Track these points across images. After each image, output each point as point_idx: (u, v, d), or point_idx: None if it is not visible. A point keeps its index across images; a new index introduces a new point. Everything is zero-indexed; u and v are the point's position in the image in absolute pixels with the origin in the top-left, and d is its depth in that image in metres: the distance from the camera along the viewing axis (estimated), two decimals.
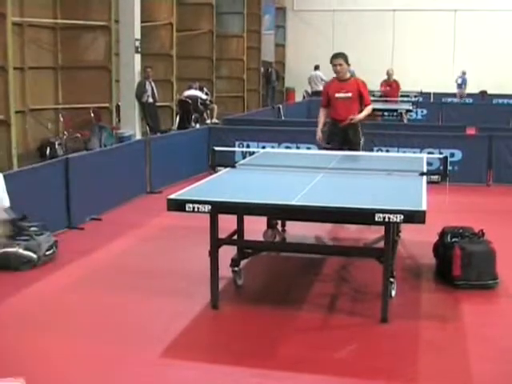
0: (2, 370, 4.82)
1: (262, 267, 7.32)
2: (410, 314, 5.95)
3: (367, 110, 9.11)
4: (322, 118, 9.46)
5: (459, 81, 27.88)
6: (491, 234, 6.90)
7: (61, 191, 8.57)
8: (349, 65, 9.10)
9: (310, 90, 26.34)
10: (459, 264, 6.49)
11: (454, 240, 6.77)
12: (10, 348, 5.20)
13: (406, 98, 21.27)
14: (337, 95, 9.07)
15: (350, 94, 9.01)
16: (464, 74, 27.73)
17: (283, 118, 20.88)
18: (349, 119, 8.96)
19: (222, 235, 6.06)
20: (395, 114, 18.40)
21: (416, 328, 5.66)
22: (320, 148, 9.60)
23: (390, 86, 20.30)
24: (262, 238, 7.54)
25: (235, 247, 6.56)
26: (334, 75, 9.19)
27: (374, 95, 20.60)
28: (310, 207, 5.48)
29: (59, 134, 15.55)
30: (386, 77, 20.39)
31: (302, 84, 29.15)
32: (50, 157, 13.41)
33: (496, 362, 5.04)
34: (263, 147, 12.12)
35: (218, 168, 7.31)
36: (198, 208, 5.50)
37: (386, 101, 19.58)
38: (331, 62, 9.10)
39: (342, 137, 9.15)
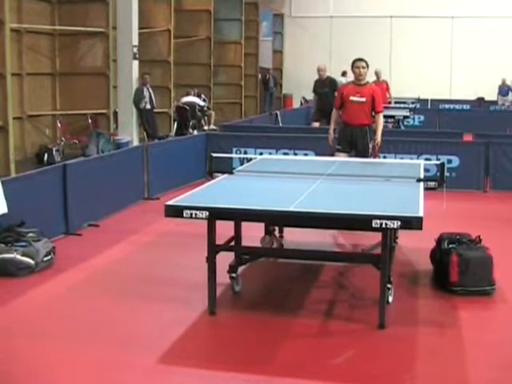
0: (0, 375, 4.82)
1: (260, 273, 7.32)
2: (407, 319, 5.96)
3: (381, 125, 9.43)
4: (333, 119, 9.81)
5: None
6: (488, 240, 6.91)
7: (58, 197, 8.57)
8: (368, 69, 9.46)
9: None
10: (456, 270, 6.50)
11: (451, 246, 6.78)
12: (8, 354, 5.20)
13: (403, 105, 21.31)
14: (351, 98, 9.33)
15: (363, 99, 9.27)
16: (502, 81, 27.56)
17: (281, 124, 20.90)
18: (376, 145, 9.35)
19: (219, 241, 6.06)
20: (392, 120, 18.42)
21: (413, 334, 5.66)
22: (331, 151, 9.76)
23: (379, 88, 20.28)
24: (259, 245, 7.55)
25: (233, 253, 6.57)
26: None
27: None
28: (307, 213, 5.48)
29: (57, 140, 15.58)
30: (374, 78, 20.48)
31: (299, 90, 29.20)
32: (48, 163, 13.43)
33: (493, 368, 5.04)
34: (261, 153, 12.13)
35: (216, 174, 7.32)
36: (196, 214, 5.50)
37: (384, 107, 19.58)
38: (354, 65, 9.39)
39: (350, 141, 9.34)
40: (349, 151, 9.40)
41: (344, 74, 24.69)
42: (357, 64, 9.34)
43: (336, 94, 10.21)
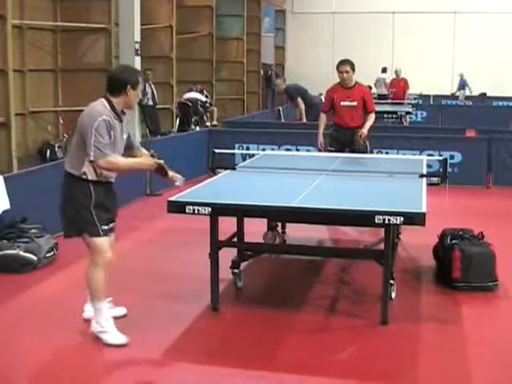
0: (4, 371, 4.83)
1: (262, 269, 7.33)
2: (409, 316, 5.96)
3: (371, 120, 9.08)
4: (322, 123, 9.44)
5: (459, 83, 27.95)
6: (491, 236, 6.91)
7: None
8: (354, 72, 9.07)
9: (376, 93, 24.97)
10: (459, 266, 6.50)
11: (453, 242, 6.78)
12: (10, 349, 5.21)
13: (406, 101, 21.34)
14: (342, 103, 9.04)
15: (355, 103, 8.99)
16: (460, 76, 27.73)
17: (283, 120, 20.91)
18: (359, 136, 8.92)
19: (221, 237, 6.06)
20: (395, 116, 18.45)
21: (416, 330, 5.66)
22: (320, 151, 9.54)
23: (398, 85, 20.56)
24: (262, 240, 7.55)
25: (235, 249, 6.57)
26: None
27: (375, 97, 20.82)
28: (310, 209, 5.48)
29: (59, 136, 15.56)
30: (393, 76, 20.79)
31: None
32: (50, 159, 13.42)
33: (495, 365, 5.05)
34: (263, 149, 12.13)
35: (218, 170, 7.32)
36: (199, 210, 5.50)
37: (388, 103, 19.73)
38: (337, 69, 9.05)
39: (346, 141, 9.09)
40: (342, 150, 9.06)
41: (384, 70, 24.41)
42: (340, 68, 8.97)
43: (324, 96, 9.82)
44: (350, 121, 9.05)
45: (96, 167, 5.18)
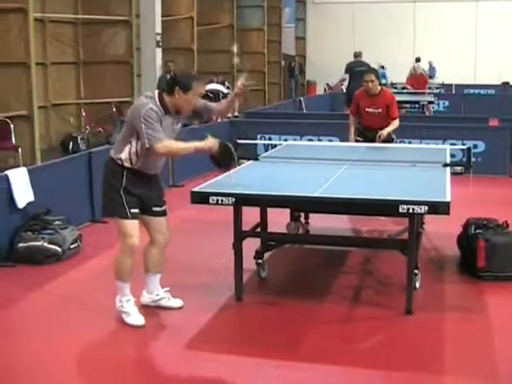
0: (20, 363, 4.87)
1: (286, 259, 7.32)
2: (434, 305, 5.93)
3: (393, 125, 9.08)
4: (352, 125, 9.44)
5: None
6: None
7: (84, 185, 8.61)
8: (379, 80, 9.18)
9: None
10: (483, 255, 6.46)
11: (478, 231, 6.74)
12: (31, 342, 5.24)
13: (428, 90, 21.24)
14: (367, 109, 9.13)
15: (379, 110, 9.04)
16: (429, 64, 27.26)
17: (305, 110, 20.88)
18: (378, 138, 8.92)
19: (244, 228, 6.06)
20: (417, 105, 18.36)
21: (441, 320, 5.64)
22: None
23: (416, 81, 20.46)
24: (285, 231, 7.54)
25: (258, 240, 6.57)
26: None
27: (395, 87, 20.76)
28: (333, 199, 5.47)
29: (81, 128, 15.64)
30: (411, 71, 20.72)
31: (322, 77, 29.12)
32: (73, 151, 13.49)
33: None
34: (285, 140, 12.11)
35: (241, 161, 7.31)
36: (222, 200, 5.51)
37: (409, 93, 19.67)
38: (363, 78, 9.18)
39: (372, 137, 9.09)
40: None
41: (418, 60, 24.22)
42: (365, 78, 9.09)
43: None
44: (374, 124, 9.10)
45: (139, 156, 5.35)
